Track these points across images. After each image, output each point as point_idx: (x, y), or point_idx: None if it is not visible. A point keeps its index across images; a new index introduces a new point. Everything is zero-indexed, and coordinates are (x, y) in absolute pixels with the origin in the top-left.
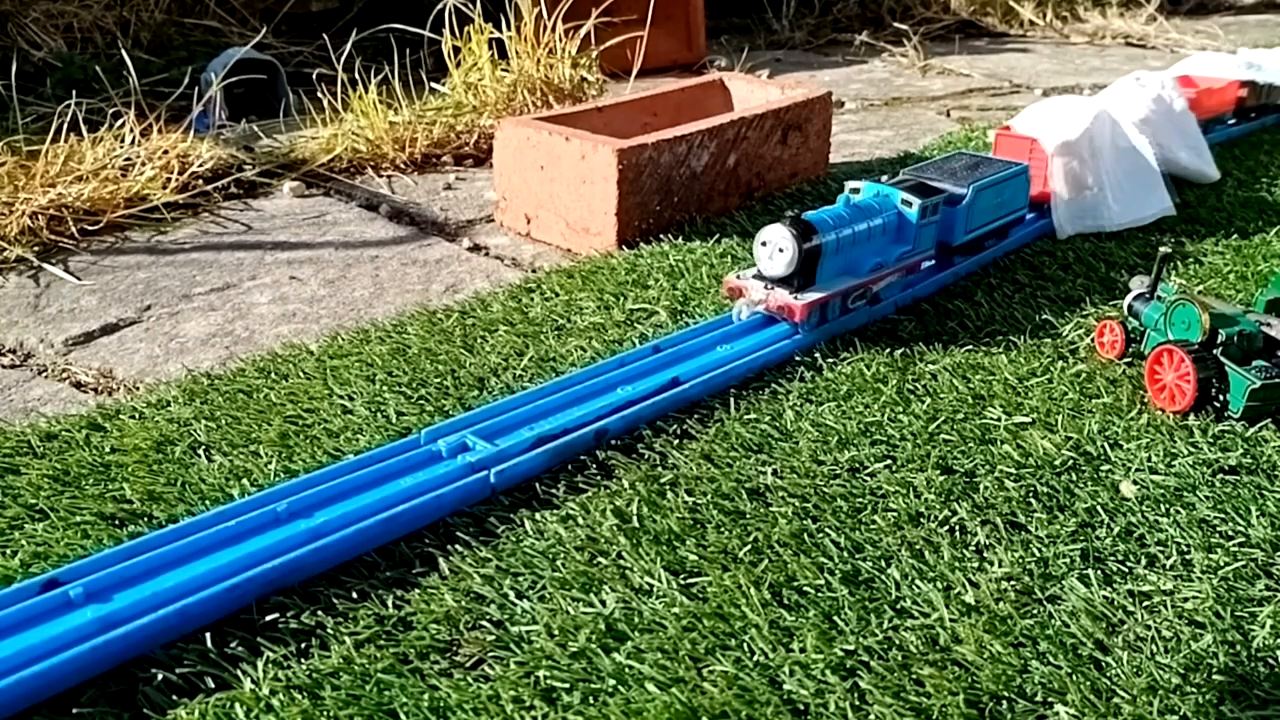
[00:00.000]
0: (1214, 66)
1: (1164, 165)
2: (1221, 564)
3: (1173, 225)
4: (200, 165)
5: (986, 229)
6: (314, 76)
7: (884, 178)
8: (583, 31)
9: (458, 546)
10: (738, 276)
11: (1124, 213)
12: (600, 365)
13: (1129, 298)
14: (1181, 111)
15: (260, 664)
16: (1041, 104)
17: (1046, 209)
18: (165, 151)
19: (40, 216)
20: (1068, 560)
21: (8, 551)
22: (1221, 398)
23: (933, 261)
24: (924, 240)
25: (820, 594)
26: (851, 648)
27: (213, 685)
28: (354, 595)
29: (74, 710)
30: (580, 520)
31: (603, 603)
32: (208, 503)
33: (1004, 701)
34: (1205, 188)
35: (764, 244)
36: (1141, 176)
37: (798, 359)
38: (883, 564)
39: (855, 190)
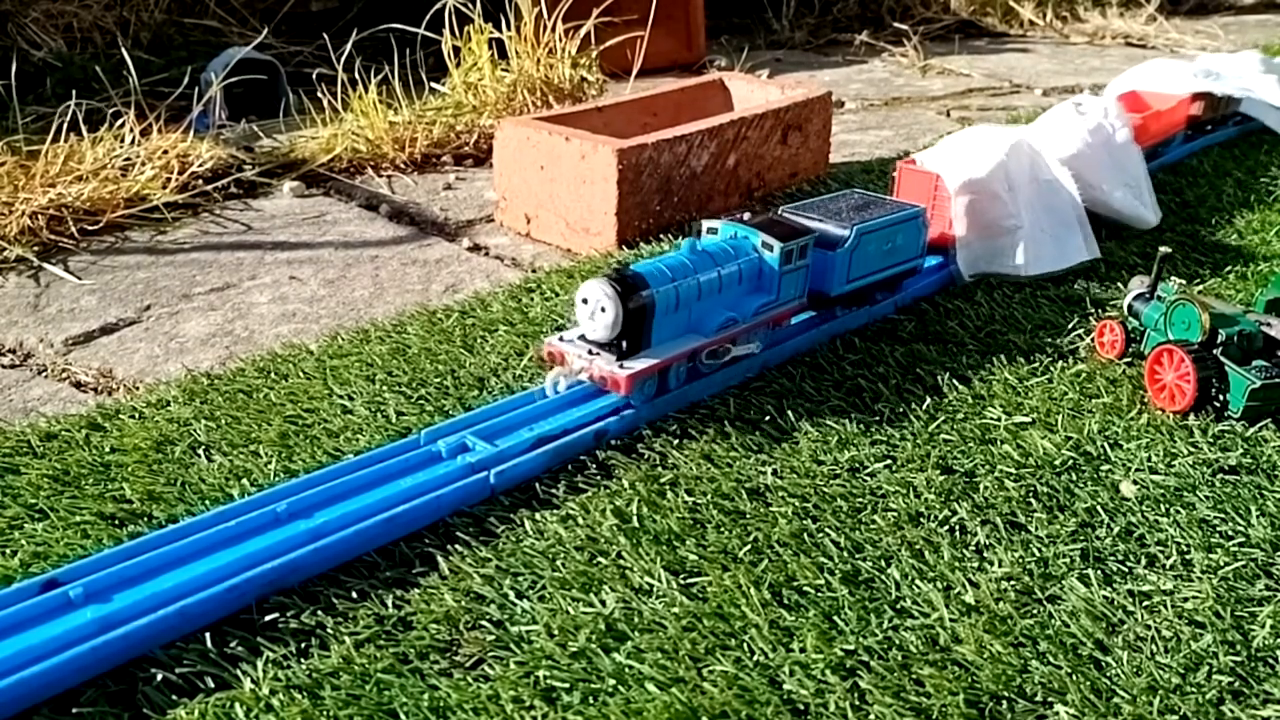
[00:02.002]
0: (1167, 77)
1: (1094, 206)
2: (1221, 564)
3: (1172, 225)
4: (200, 165)
5: (874, 278)
6: (314, 76)
7: (745, 216)
8: (583, 31)
9: (458, 546)
10: (559, 339)
11: (1039, 260)
12: None
13: (1129, 297)
14: (1123, 144)
15: (260, 664)
16: (960, 134)
17: (951, 254)
18: (165, 151)
19: (40, 216)
20: (1068, 560)
21: (7, 551)
22: (1221, 398)
23: (809, 314)
24: (789, 289)
25: (820, 594)
26: (851, 648)
27: (213, 685)
28: (354, 595)
29: (74, 710)
30: (580, 520)
31: (603, 603)
32: (208, 503)
33: (1004, 701)
34: (1206, 188)
35: (584, 301)
36: (1064, 218)
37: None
38: (883, 564)
39: (712, 231)
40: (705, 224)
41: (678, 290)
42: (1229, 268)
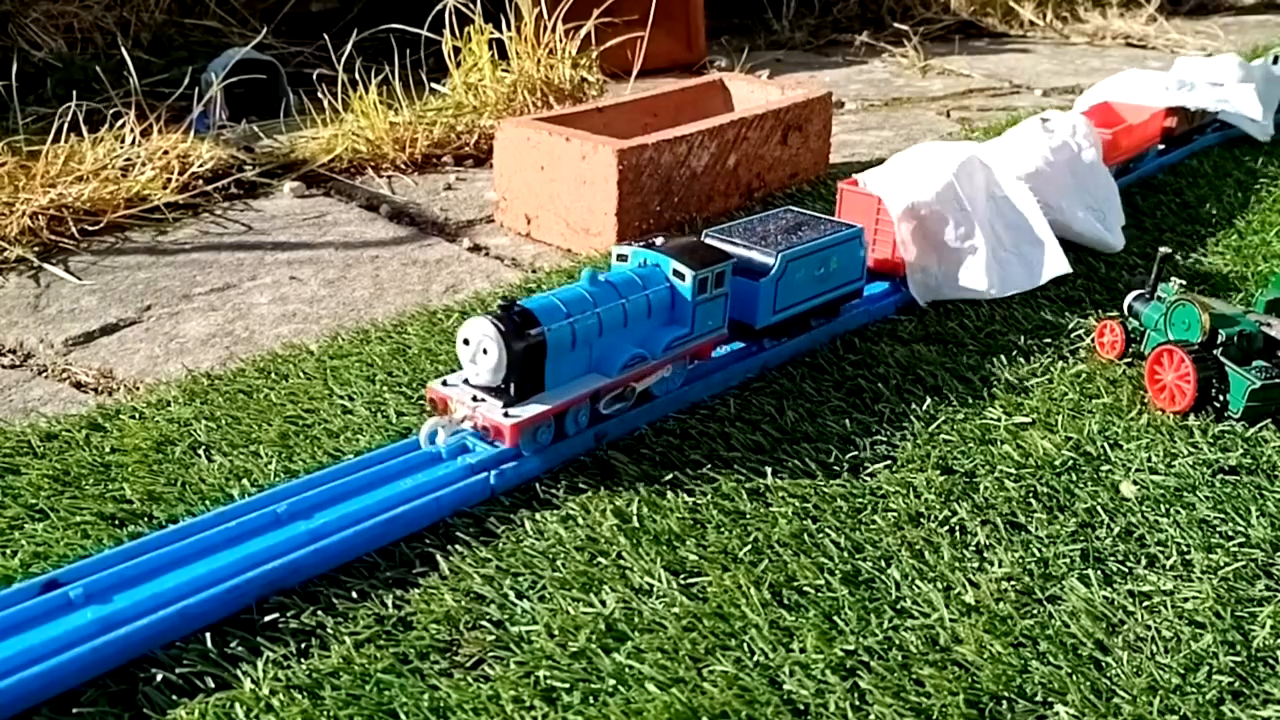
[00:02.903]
0: (1141, 89)
1: (1056, 230)
2: (1221, 564)
3: (1173, 226)
4: (200, 165)
5: (805, 306)
6: (314, 77)
7: (659, 240)
8: (583, 32)
9: (458, 547)
10: (443, 382)
11: (1005, 281)
12: None
13: (1129, 298)
14: (1090, 164)
15: (260, 664)
16: (910, 151)
17: (902, 279)
18: (165, 152)
19: (40, 217)
20: (1068, 560)
21: (8, 552)
22: (1221, 398)
23: (734, 345)
24: (706, 321)
25: (820, 594)
26: (852, 648)
27: (213, 685)
28: (354, 595)
29: (74, 710)
30: (580, 520)
31: (603, 603)
32: (208, 503)
33: (1004, 701)
34: (1206, 188)
35: (465, 342)
36: (1026, 235)
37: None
38: (883, 564)
39: (622, 258)
40: (616, 250)
41: (574, 327)
42: (1229, 268)
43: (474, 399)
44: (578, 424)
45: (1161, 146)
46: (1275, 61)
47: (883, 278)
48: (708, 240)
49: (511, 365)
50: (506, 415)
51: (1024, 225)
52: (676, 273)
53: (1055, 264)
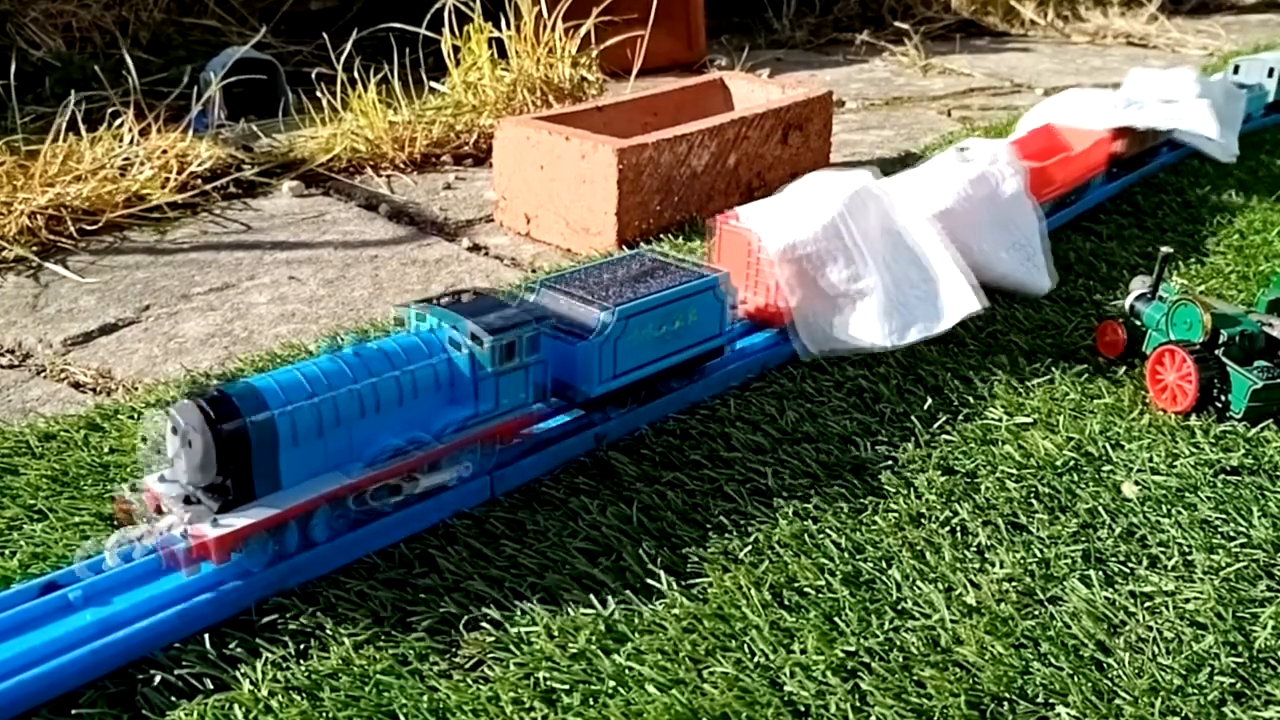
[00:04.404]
0: (1087, 109)
1: (975, 272)
2: (1223, 565)
3: (1174, 225)
4: (199, 165)
5: (653, 369)
6: (313, 76)
7: (464, 297)
8: (583, 31)
9: (458, 547)
10: (160, 478)
11: (907, 326)
12: None
13: (1130, 298)
14: (1012, 197)
15: (259, 665)
16: (800, 182)
17: (786, 330)
18: (164, 151)
19: (39, 216)
20: (1069, 561)
21: (6, 552)
22: (1223, 398)
23: (562, 418)
24: (511, 394)
25: (821, 595)
26: (852, 649)
27: (211, 686)
28: (353, 596)
29: (73, 711)
30: (580, 520)
31: (603, 603)
32: None
33: (1005, 703)
34: (1207, 188)
35: (174, 430)
36: (929, 272)
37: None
38: (884, 565)
39: (400, 322)
40: (397, 312)
41: (319, 409)
42: (1231, 268)
43: (186, 500)
44: (329, 528)
45: (1115, 170)
46: (1236, 71)
47: (766, 326)
48: (542, 291)
49: (223, 460)
50: (216, 522)
51: (926, 262)
52: (474, 337)
53: (964, 302)
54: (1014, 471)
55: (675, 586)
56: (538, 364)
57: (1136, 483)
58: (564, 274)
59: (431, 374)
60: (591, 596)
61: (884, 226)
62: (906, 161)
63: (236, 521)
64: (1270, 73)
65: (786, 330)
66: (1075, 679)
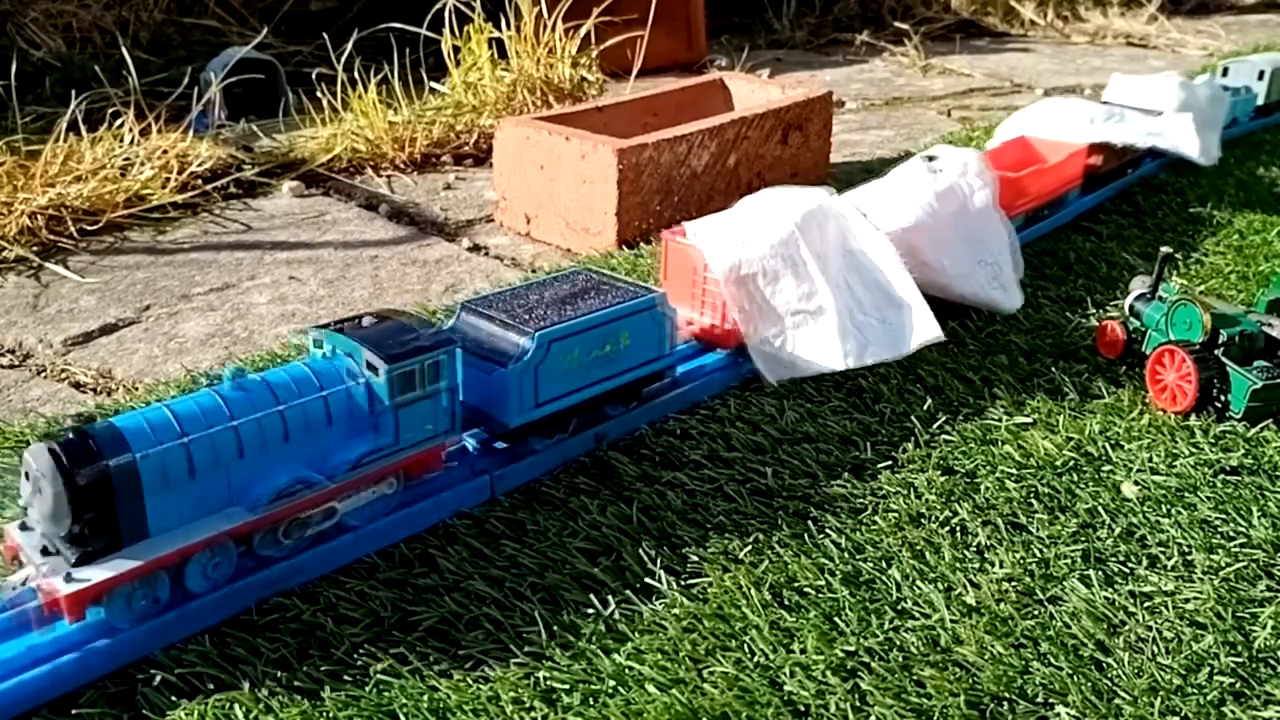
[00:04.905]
0: (1064, 121)
1: (933, 289)
2: (1223, 565)
3: (1174, 225)
4: (199, 165)
5: (582, 395)
6: (313, 76)
7: (364, 321)
8: (583, 31)
9: (458, 547)
10: (20, 525)
11: (863, 349)
12: None
13: (1130, 298)
14: (980, 210)
15: (260, 665)
16: (756, 196)
17: (736, 352)
18: (164, 151)
19: (39, 216)
20: (1069, 561)
21: None
22: (1223, 398)
23: (490, 448)
24: (416, 426)
25: (821, 595)
26: (852, 649)
27: (212, 686)
28: (353, 596)
29: (74, 711)
30: (581, 520)
31: (603, 603)
32: None
33: (1005, 702)
34: (1207, 188)
35: (27, 475)
36: (888, 295)
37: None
38: (884, 565)
39: (318, 345)
40: (296, 338)
41: (190, 449)
42: (1231, 268)
43: (44, 551)
44: (208, 577)
45: (1093, 184)
46: (1225, 73)
47: (717, 347)
48: (462, 315)
49: (78, 508)
50: (69, 578)
51: (886, 285)
52: (370, 366)
53: (924, 330)
54: (1014, 471)
55: (675, 586)
56: (445, 393)
57: (1136, 483)
58: (488, 296)
59: (322, 408)
60: (591, 596)
61: (843, 246)
62: (905, 161)
63: (94, 575)
64: (1260, 75)
65: (736, 352)
66: (1075, 679)
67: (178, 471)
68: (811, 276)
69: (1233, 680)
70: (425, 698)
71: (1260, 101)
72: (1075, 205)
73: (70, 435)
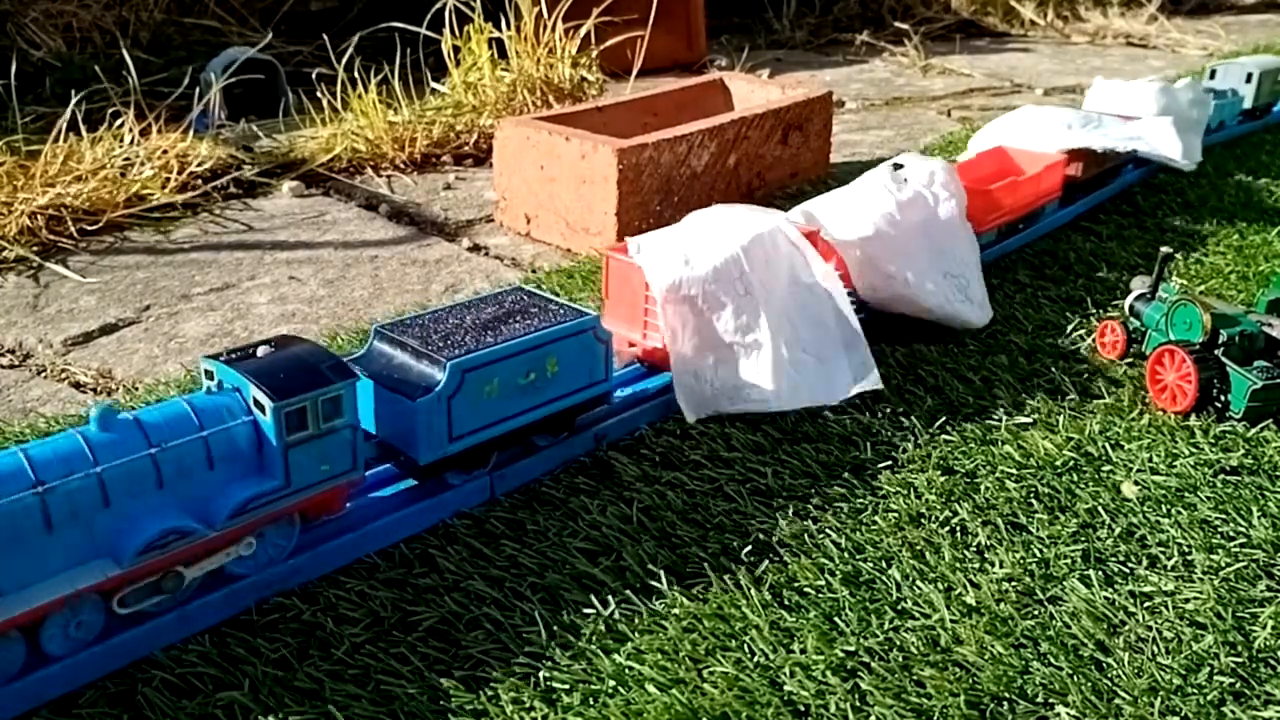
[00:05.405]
0: (1042, 129)
1: (895, 304)
2: (1223, 565)
3: (1174, 226)
4: (200, 165)
5: (505, 427)
6: (313, 76)
7: (259, 350)
8: (583, 31)
9: (458, 547)
10: None
11: (797, 391)
12: None
13: (1130, 298)
14: (946, 221)
15: (260, 665)
16: (708, 211)
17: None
18: (165, 151)
19: (39, 216)
20: (1069, 561)
21: None
22: (1223, 398)
23: (408, 485)
24: (310, 467)
25: (821, 595)
26: (852, 649)
27: (212, 686)
28: (353, 596)
29: (74, 711)
30: (581, 520)
31: (603, 603)
32: None
33: (1005, 702)
34: (1207, 188)
35: None
36: (830, 336)
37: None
38: (884, 565)
39: (208, 376)
40: (205, 365)
41: (44, 500)
42: (1231, 268)
43: None
44: (70, 637)
45: (1072, 194)
46: (1213, 75)
47: (659, 371)
48: (375, 342)
49: None
50: None
51: (830, 324)
52: (257, 403)
53: (863, 378)
54: (1014, 471)
55: (675, 586)
56: (345, 429)
57: (1136, 483)
58: (405, 320)
59: (202, 449)
60: (591, 596)
61: (792, 278)
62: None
63: None
64: (1249, 78)
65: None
66: (1075, 679)
67: (30, 525)
68: (751, 307)
69: (1233, 680)
70: (425, 697)
71: (1248, 105)
72: (1053, 218)
73: None
